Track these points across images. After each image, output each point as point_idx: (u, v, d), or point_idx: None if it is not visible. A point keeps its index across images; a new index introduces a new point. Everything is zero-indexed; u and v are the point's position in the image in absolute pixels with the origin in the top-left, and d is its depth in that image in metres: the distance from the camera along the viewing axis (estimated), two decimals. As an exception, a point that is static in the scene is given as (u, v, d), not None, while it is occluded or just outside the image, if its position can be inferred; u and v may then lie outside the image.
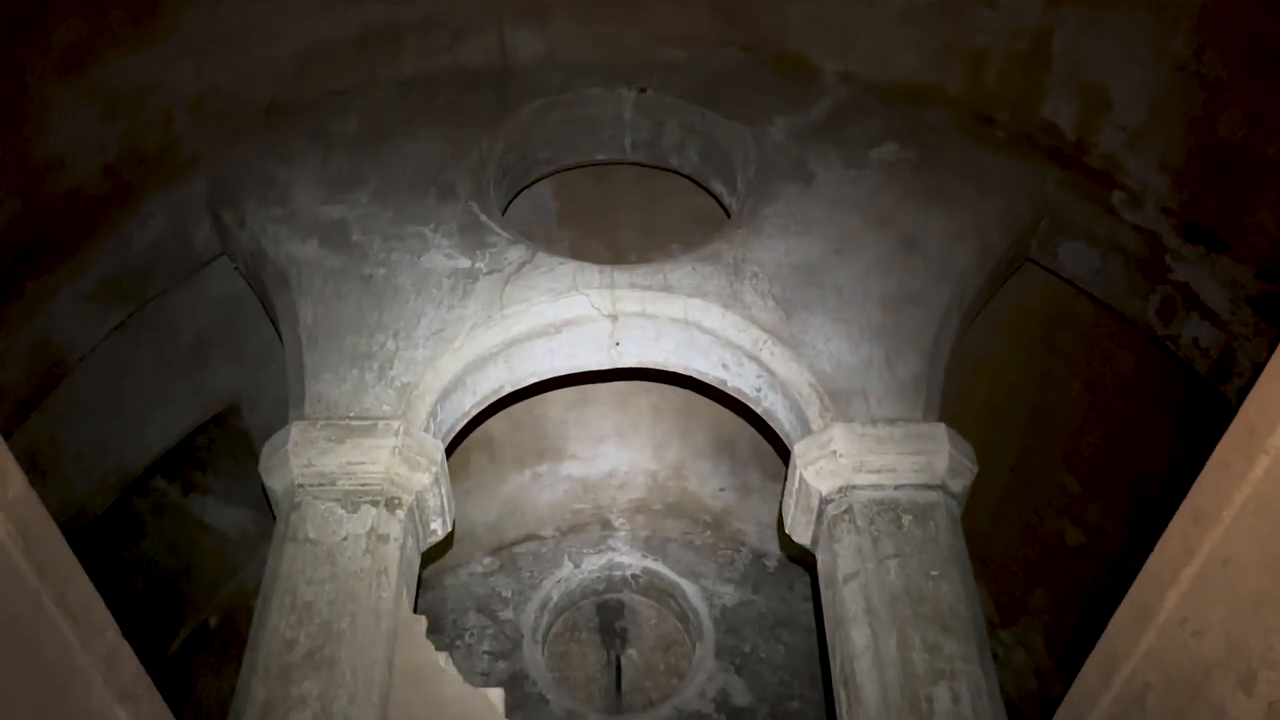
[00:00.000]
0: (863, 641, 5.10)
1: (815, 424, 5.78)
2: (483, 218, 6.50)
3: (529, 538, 9.49)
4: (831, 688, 6.56)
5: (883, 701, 4.93)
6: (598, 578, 9.47)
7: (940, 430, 5.65)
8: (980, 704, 4.85)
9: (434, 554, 7.23)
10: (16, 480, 2.31)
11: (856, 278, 6.19)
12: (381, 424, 5.73)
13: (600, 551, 9.49)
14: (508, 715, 5.33)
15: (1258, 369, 2.24)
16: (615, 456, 9.13)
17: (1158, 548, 2.51)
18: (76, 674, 2.62)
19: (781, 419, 6.17)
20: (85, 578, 2.61)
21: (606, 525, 9.55)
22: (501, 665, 8.70)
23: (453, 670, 5.42)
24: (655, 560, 9.41)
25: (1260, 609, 2.15)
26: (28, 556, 2.36)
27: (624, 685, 9.02)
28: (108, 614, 2.72)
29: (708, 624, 9.05)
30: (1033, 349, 7.14)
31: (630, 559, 9.46)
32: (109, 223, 5.83)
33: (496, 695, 5.41)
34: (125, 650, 2.82)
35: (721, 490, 9.20)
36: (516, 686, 8.47)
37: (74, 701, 2.62)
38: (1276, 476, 2.15)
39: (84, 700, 2.66)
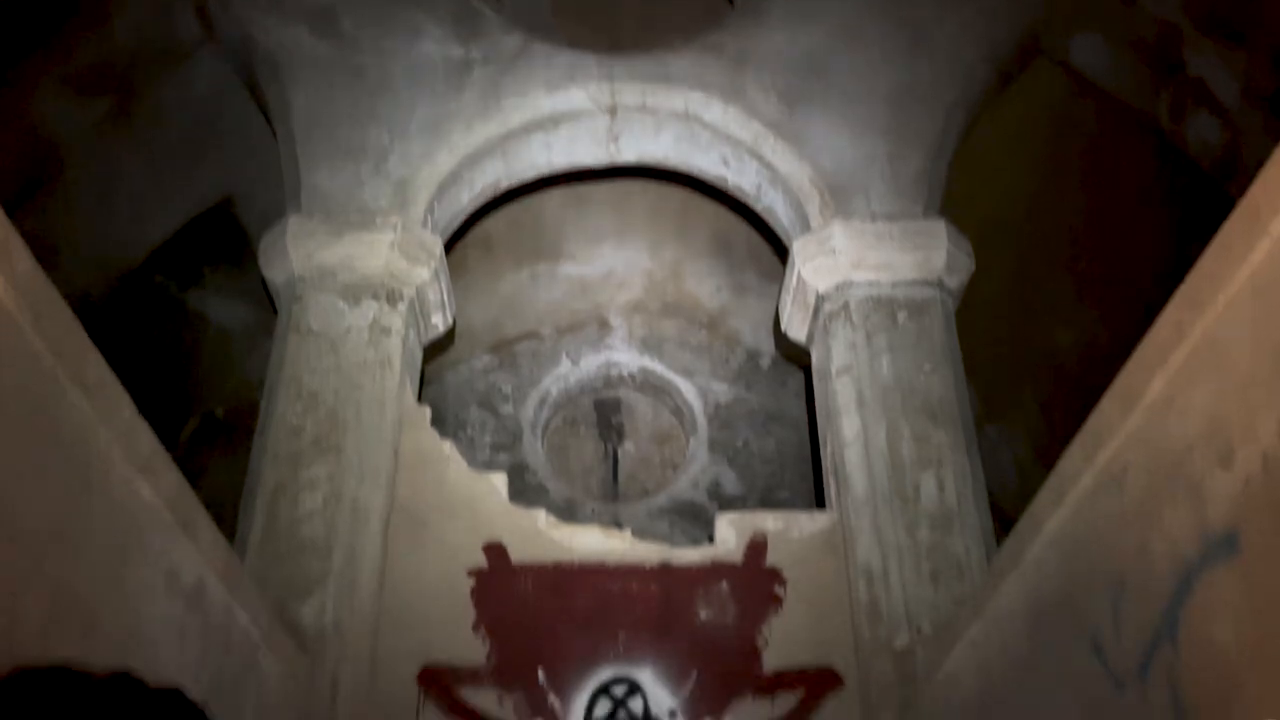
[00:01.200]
0: (853, 432, 5.25)
1: (815, 221, 5.76)
2: (475, 3, 6.26)
3: (528, 336, 9.60)
4: (820, 479, 6.83)
5: (870, 488, 5.13)
6: (595, 375, 9.65)
7: (940, 227, 5.64)
8: (965, 492, 5.05)
9: (435, 350, 7.33)
10: (22, 254, 2.31)
11: (861, 71, 6.03)
12: (379, 219, 5.71)
13: (598, 350, 9.63)
14: (509, 501, 5.55)
15: (1261, 164, 2.21)
16: (613, 256, 9.14)
17: (1150, 332, 2.56)
18: (96, 448, 2.71)
19: (781, 216, 6.14)
20: (97, 353, 2.66)
21: (604, 325, 9.65)
22: (503, 457, 8.98)
23: (457, 457, 5.60)
24: (652, 359, 9.57)
25: (1246, 389, 2.21)
26: (39, 330, 2.39)
27: (620, 476, 9.36)
28: (122, 390, 2.78)
29: (701, 419, 9.29)
30: (1035, 154, 7.03)
31: (627, 358, 9.61)
32: (91, 5, 5.61)
33: (499, 480, 5.62)
34: (142, 426, 2.90)
35: (718, 290, 9.26)
36: (517, 477, 8.77)
37: (95, 475, 2.72)
38: (1277, 259, 2.17)
39: (105, 474, 2.76)
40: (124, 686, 0.83)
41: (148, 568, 2.99)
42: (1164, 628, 2.43)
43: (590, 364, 9.62)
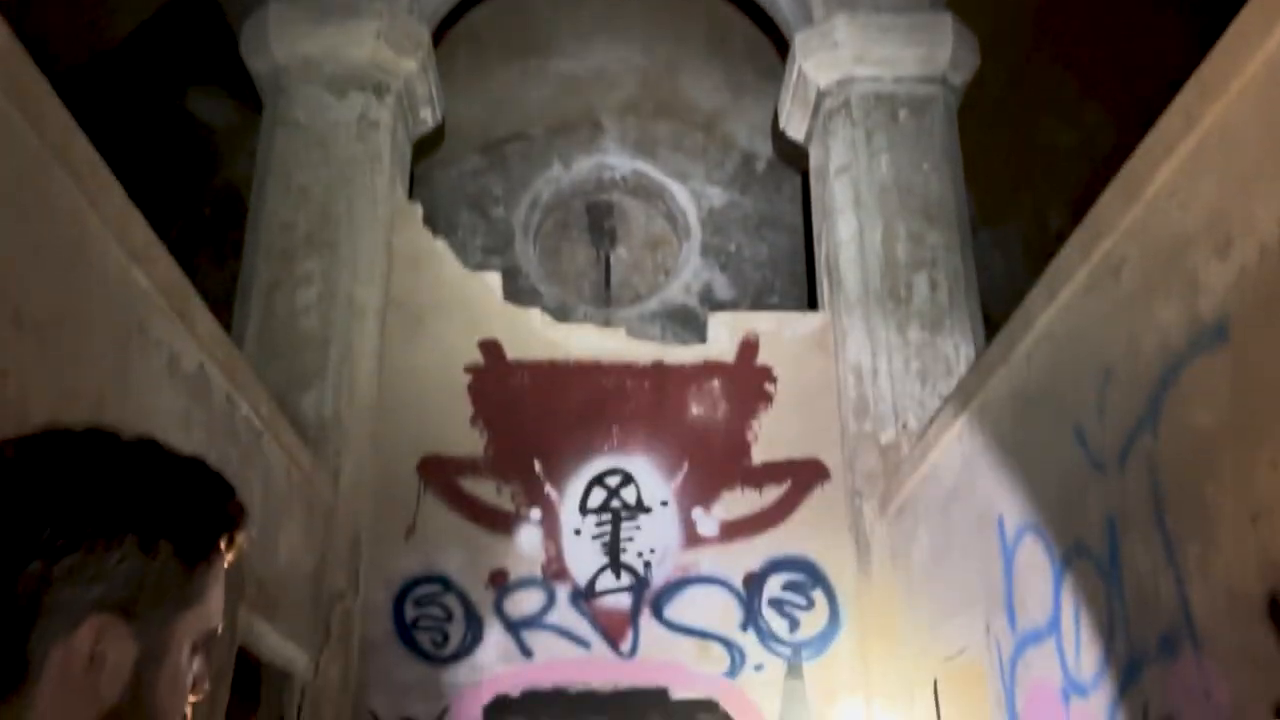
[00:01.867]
0: (848, 231, 5.24)
1: (818, 13, 5.55)
2: None
3: (518, 136, 9.39)
4: (813, 287, 6.85)
5: (863, 288, 5.15)
6: (587, 178, 9.50)
7: (946, 20, 5.45)
8: (957, 292, 5.09)
9: (423, 151, 7.18)
10: (-3, 28, 2.22)
11: None
12: (364, 5, 5.48)
13: (590, 153, 9.44)
14: (504, 301, 5.58)
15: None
16: (605, 53, 8.83)
17: (1159, 121, 2.51)
18: (90, 234, 2.68)
19: (782, 7, 5.92)
20: (84, 137, 2.59)
21: (596, 126, 9.43)
22: (494, 260, 8.95)
23: (450, 255, 5.59)
24: (645, 162, 9.40)
25: (1251, 180, 2.20)
26: (22, 110, 2.33)
27: (613, 281, 9.37)
28: (112, 175, 2.74)
29: (695, 224, 9.22)
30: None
31: (619, 160, 9.44)
32: None
33: (494, 279, 5.63)
34: (136, 215, 2.87)
35: (714, 89, 9.01)
36: (509, 280, 8.71)
37: (90, 261, 2.70)
38: (1294, 45, 2.11)
39: (100, 261, 2.75)
40: (152, 449, 0.86)
41: (149, 356, 3.03)
42: (1146, 416, 2.50)
43: (582, 166, 9.46)
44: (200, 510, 0.90)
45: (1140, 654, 2.49)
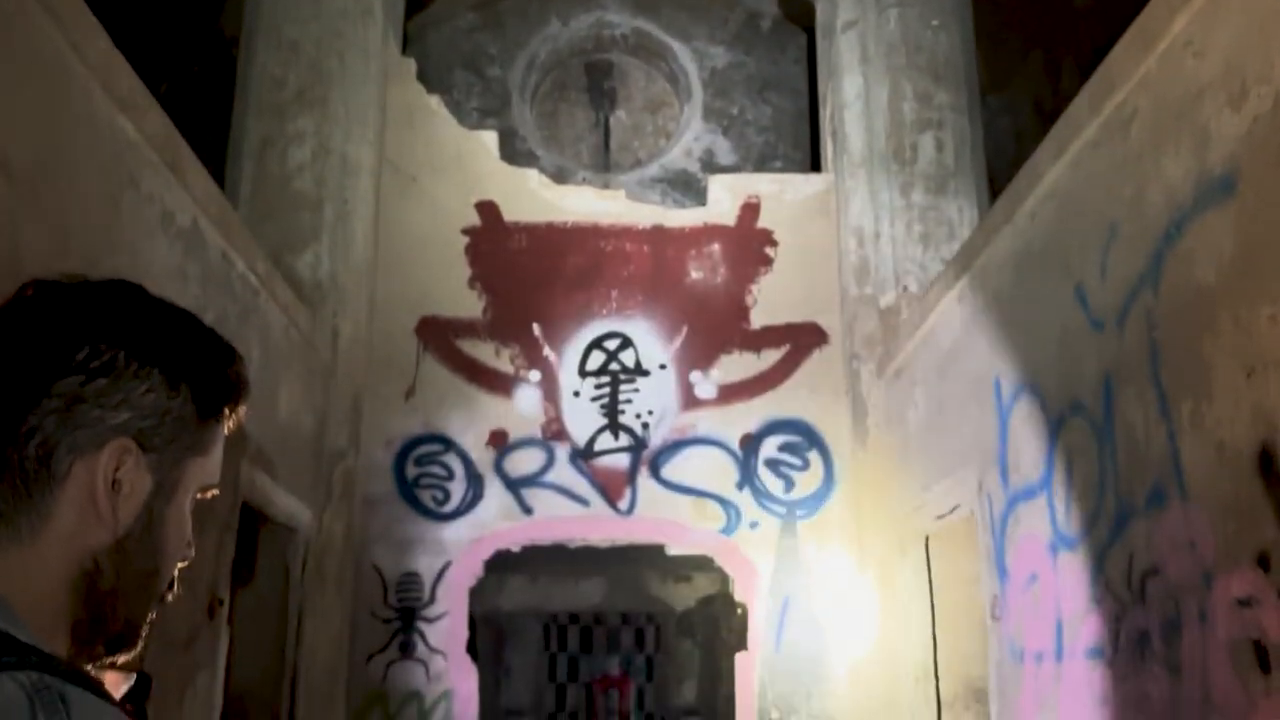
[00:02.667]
0: (854, 90, 5.11)
1: None
2: None
3: (514, -9, 9.08)
4: (816, 151, 6.72)
5: (868, 149, 5.06)
6: (586, 36, 9.21)
7: None
8: (963, 155, 5.00)
9: (416, 5, 6.96)
10: None
11: None
12: None
13: (589, 9, 9.14)
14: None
15: None
16: (605, -97, 8.47)
17: (1179, -33, 2.42)
18: (73, 79, 2.61)
19: None
20: (61, -23, 2.50)
21: (595, -20, 9.12)
22: (490, 122, 8.76)
23: (445, 113, 5.47)
24: (646, 20, 9.11)
25: (1269, 28, 2.12)
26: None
27: (612, 145, 9.19)
28: (96, 21, 2.65)
29: (697, 85, 9.00)
30: None
31: (620, 18, 9.14)
32: None
33: (490, 138, 5.53)
34: (120, 60, 2.79)
35: (718, -57, 8.66)
36: (506, 143, 8.60)
37: (75, 108, 2.64)
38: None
39: (85, 108, 2.68)
40: (176, 307, 0.89)
41: (141, 208, 2.98)
42: (1148, 273, 2.48)
43: (581, 24, 9.16)
44: (216, 366, 0.94)
45: (1128, 508, 2.53)
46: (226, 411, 0.95)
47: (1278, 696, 1.94)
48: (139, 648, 0.89)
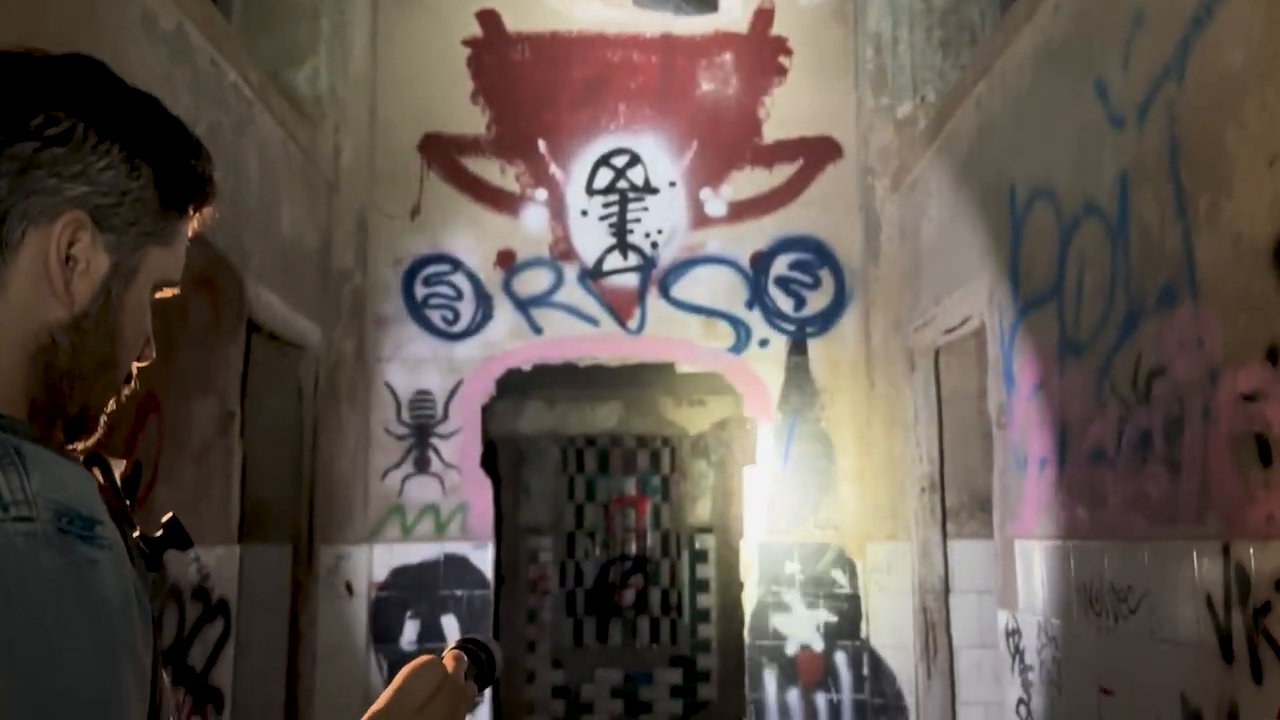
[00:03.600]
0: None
1: None
2: None
3: None
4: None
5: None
6: None
7: None
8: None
9: None
10: None
11: None
12: None
13: None
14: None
15: None
16: None
17: None
18: None
19: None
20: None
21: None
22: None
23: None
24: None
25: None
26: None
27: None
28: None
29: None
30: None
31: None
32: None
33: (490, -58, 5.24)
34: None
35: None
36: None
37: (41, -102, 2.49)
38: None
39: (51, -102, 2.53)
40: (143, 93, 0.86)
41: (121, 9, 2.86)
42: (1173, 62, 2.35)
43: None
44: (181, 155, 0.90)
45: (1137, 309, 2.48)
46: (191, 209, 0.92)
47: (1277, 489, 1.93)
48: (97, 434, 0.89)
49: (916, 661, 4.45)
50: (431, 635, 4.72)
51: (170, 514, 0.84)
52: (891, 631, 4.62)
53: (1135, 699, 2.45)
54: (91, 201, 0.83)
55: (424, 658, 0.98)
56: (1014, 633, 3.28)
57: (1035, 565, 3.12)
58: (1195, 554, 2.19)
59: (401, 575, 4.79)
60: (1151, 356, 2.41)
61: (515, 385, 5.31)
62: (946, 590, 4.42)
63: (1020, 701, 3.20)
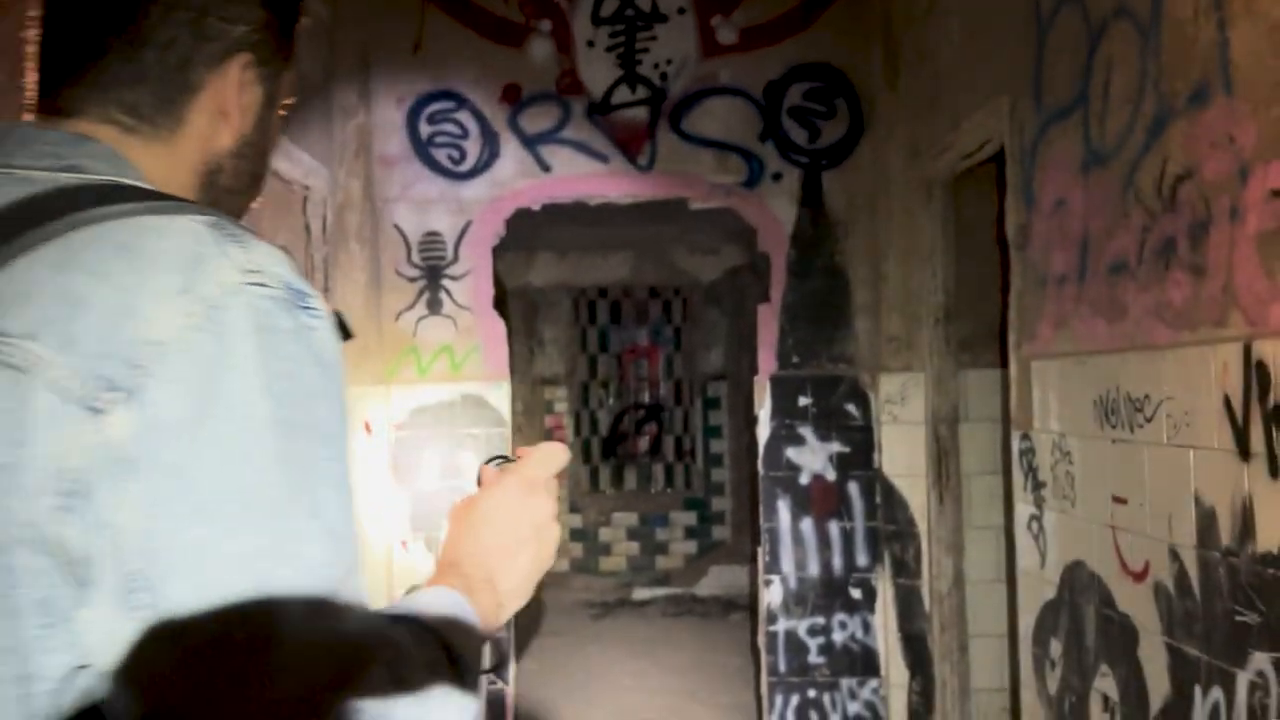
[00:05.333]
0: None
1: None
2: None
3: None
4: None
5: None
6: None
7: None
8: None
9: None
10: None
11: None
12: None
13: None
14: None
15: None
16: None
17: None
18: None
19: None
20: None
21: None
22: None
23: None
24: None
25: None
26: None
27: None
28: None
29: None
30: None
31: None
32: None
33: None
34: None
35: None
36: None
37: None
38: None
39: None
40: None
41: None
42: None
43: None
44: None
45: (1166, 111, 2.40)
46: (294, 32, 1.05)
47: (1303, 285, 1.90)
48: None
49: (929, 489, 4.52)
50: (451, 473, 4.81)
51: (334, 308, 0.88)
52: (904, 460, 4.68)
53: (1149, 504, 2.47)
54: (250, 39, 0.95)
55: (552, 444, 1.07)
56: (1027, 453, 3.30)
57: (1051, 383, 3.12)
58: (1215, 356, 2.17)
59: (419, 415, 4.84)
60: (1179, 160, 2.34)
61: (525, 228, 5.25)
62: (957, 419, 4.44)
63: (1032, 518, 3.25)
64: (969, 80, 3.92)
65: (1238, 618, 2.08)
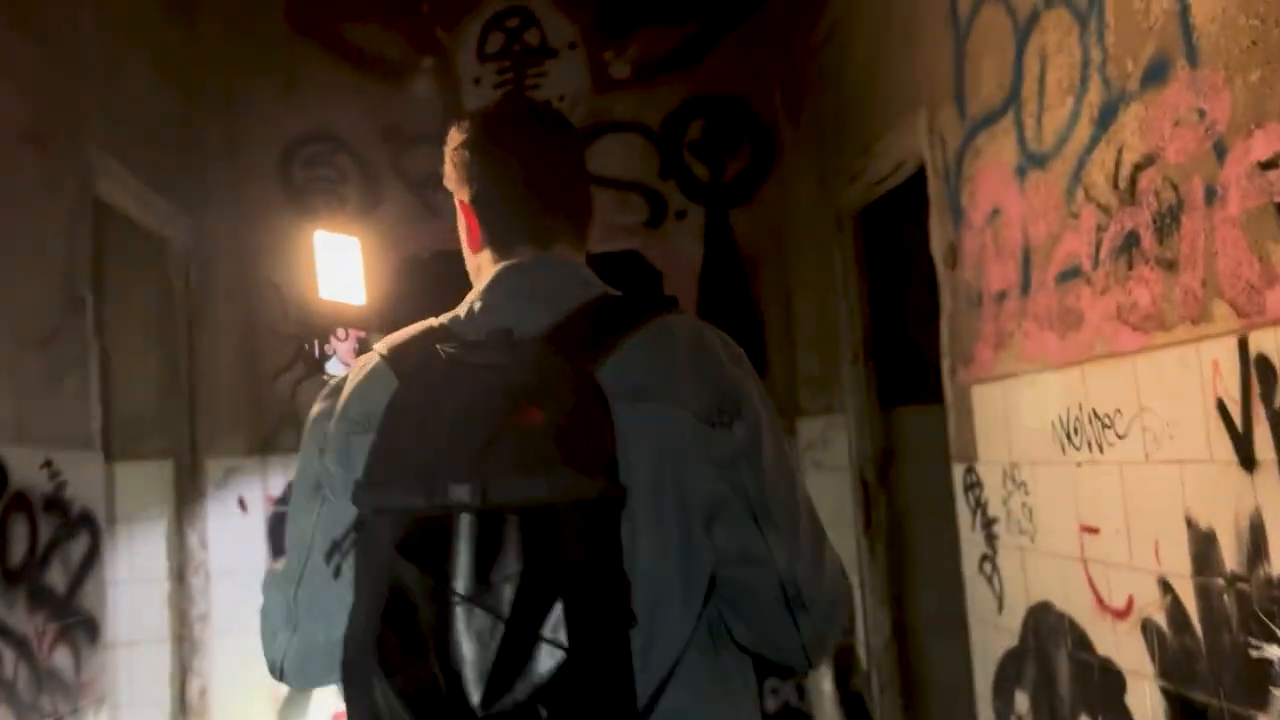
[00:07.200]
0: None
1: None
2: None
3: None
4: None
5: None
6: None
7: None
8: None
9: None
10: None
11: None
12: None
13: None
14: None
15: None
16: None
17: None
18: None
19: None
20: None
21: None
22: None
23: None
24: None
25: None
26: None
27: None
28: None
29: None
30: None
31: None
32: None
33: None
34: None
35: None
36: None
37: None
38: None
39: None
40: None
41: None
42: None
43: None
44: None
45: (1117, 96, 2.19)
46: None
47: (1301, 265, 1.67)
48: None
49: (858, 536, 4.23)
50: (339, 548, 4.33)
51: None
52: (831, 507, 4.38)
53: (1128, 531, 2.21)
54: None
55: None
56: (973, 488, 3.04)
57: (995, 409, 2.87)
58: (1199, 356, 1.93)
59: (301, 486, 4.37)
60: (1137, 147, 2.13)
61: (414, 278, 4.87)
62: (890, 460, 4.19)
63: (984, 558, 2.98)
64: (878, 100, 3.74)
65: (1253, 652, 1.81)
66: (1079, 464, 2.41)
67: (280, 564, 1.30)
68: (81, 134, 3.11)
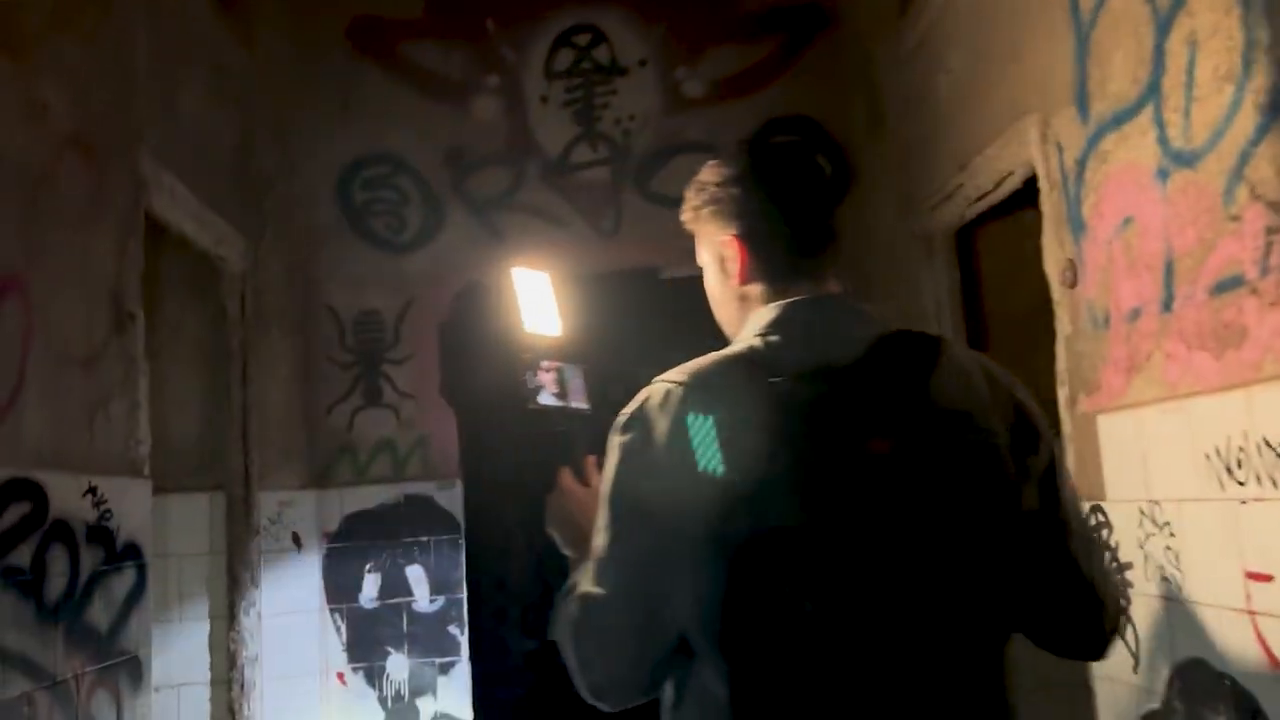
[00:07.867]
0: None
1: None
2: None
3: None
4: None
5: None
6: None
7: None
8: None
9: None
10: None
11: None
12: None
13: None
14: None
15: None
16: None
17: None
18: None
19: None
20: None
21: None
22: None
23: None
24: None
25: None
26: None
27: None
28: None
29: None
30: None
31: None
32: None
33: None
34: None
35: None
36: None
37: None
38: None
39: None
40: None
41: None
42: None
43: None
44: None
45: (1294, 77, 1.91)
46: None
47: None
48: None
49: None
50: (397, 589, 4.10)
51: None
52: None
53: (1315, 577, 1.90)
54: None
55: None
56: (1099, 528, 2.73)
57: (1129, 441, 2.57)
58: None
59: (356, 522, 4.16)
60: (1322, 132, 1.85)
61: (475, 304, 4.67)
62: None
63: (1114, 607, 2.65)
64: (977, 111, 3.48)
65: None
66: (1244, 501, 2.11)
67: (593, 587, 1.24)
68: (135, 145, 2.95)
